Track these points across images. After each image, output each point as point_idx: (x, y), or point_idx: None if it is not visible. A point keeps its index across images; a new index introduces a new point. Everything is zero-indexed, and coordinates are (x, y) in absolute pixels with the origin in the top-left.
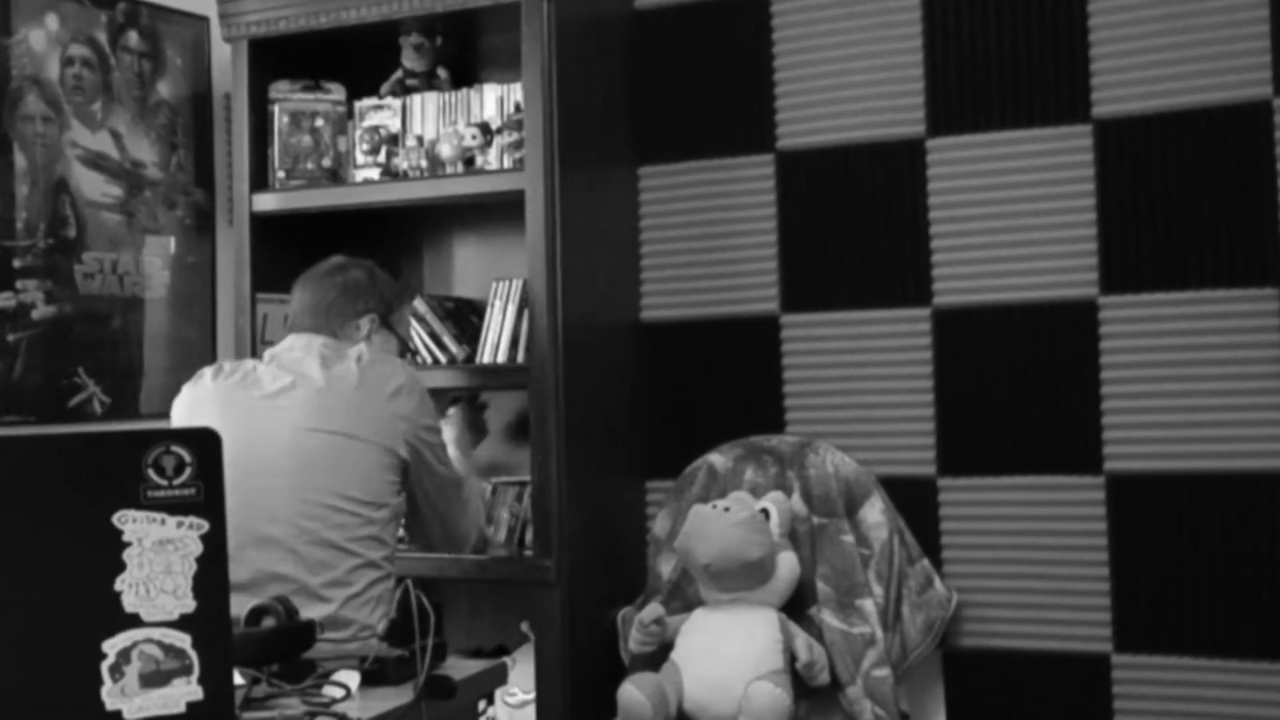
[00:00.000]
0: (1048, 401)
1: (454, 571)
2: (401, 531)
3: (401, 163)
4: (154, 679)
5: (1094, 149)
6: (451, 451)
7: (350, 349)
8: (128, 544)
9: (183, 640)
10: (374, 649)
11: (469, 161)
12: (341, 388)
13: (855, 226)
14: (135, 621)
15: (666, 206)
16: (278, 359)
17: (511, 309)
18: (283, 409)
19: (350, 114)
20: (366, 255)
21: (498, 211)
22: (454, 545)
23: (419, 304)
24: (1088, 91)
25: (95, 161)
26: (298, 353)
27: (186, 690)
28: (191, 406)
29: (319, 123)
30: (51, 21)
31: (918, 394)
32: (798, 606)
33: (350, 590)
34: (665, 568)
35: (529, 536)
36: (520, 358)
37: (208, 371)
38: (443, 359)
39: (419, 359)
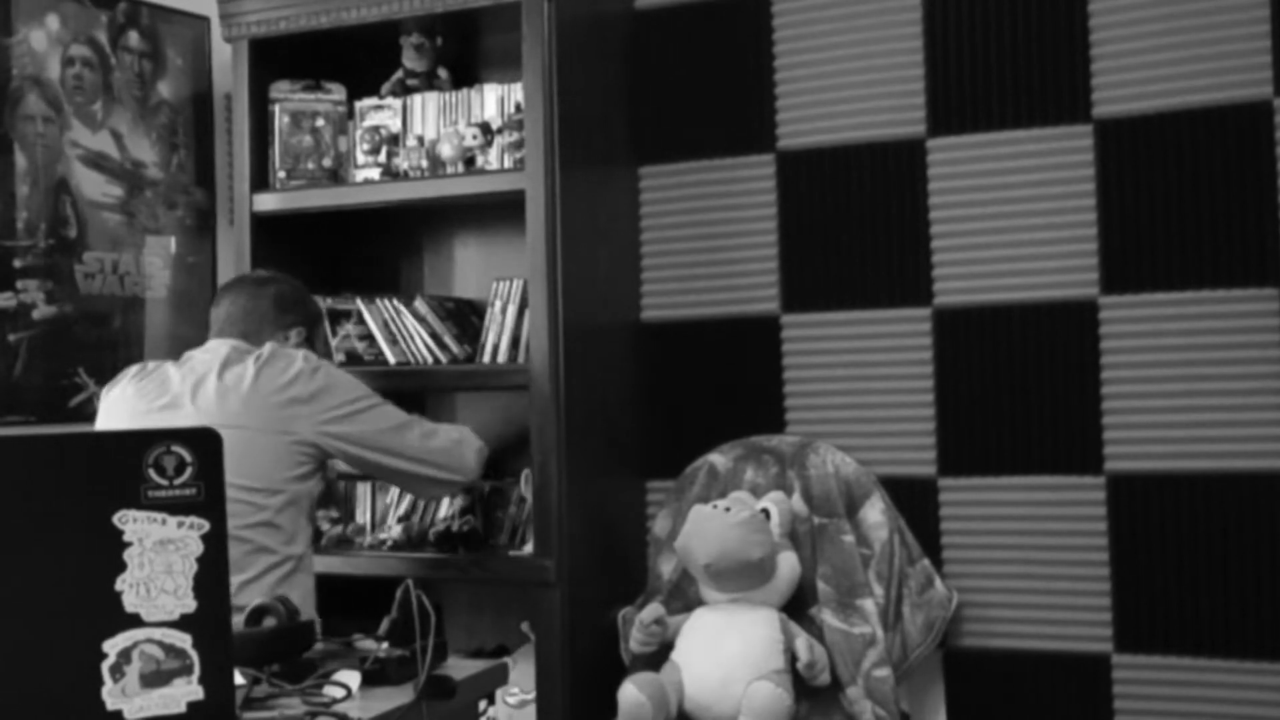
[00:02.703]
0: (1048, 401)
1: (454, 571)
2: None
3: (402, 163)
4: (154, 679)
5: (1094, 149)
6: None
7: (255, 350)
8: (128, 544)
9: (183, 640)
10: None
11: (469, 161)
12: (235, 384)
13: (855, 226)
14: (136, 621)
15: (666, 206)
16: (191, 360)
17: (512, 309)
18: (182, 411)
19: (351, 114)
20: (367, 255)
21: (498, 211)
22: (454, 473)
23: (419, 304)
24: (1088, 91)
25: (96, 161)
26: (208, 355)
27: (187, 690)
28: (108, 412)
29: (319, 123)
30: (52, 21)
31: (918, 394)
32: (798, 606)
33: (244, 575)
34: (665, 568)
35: (529, 536)
36: (521, 358)
37: (130, 371)
38: (443, 359)
39: (418, 360)
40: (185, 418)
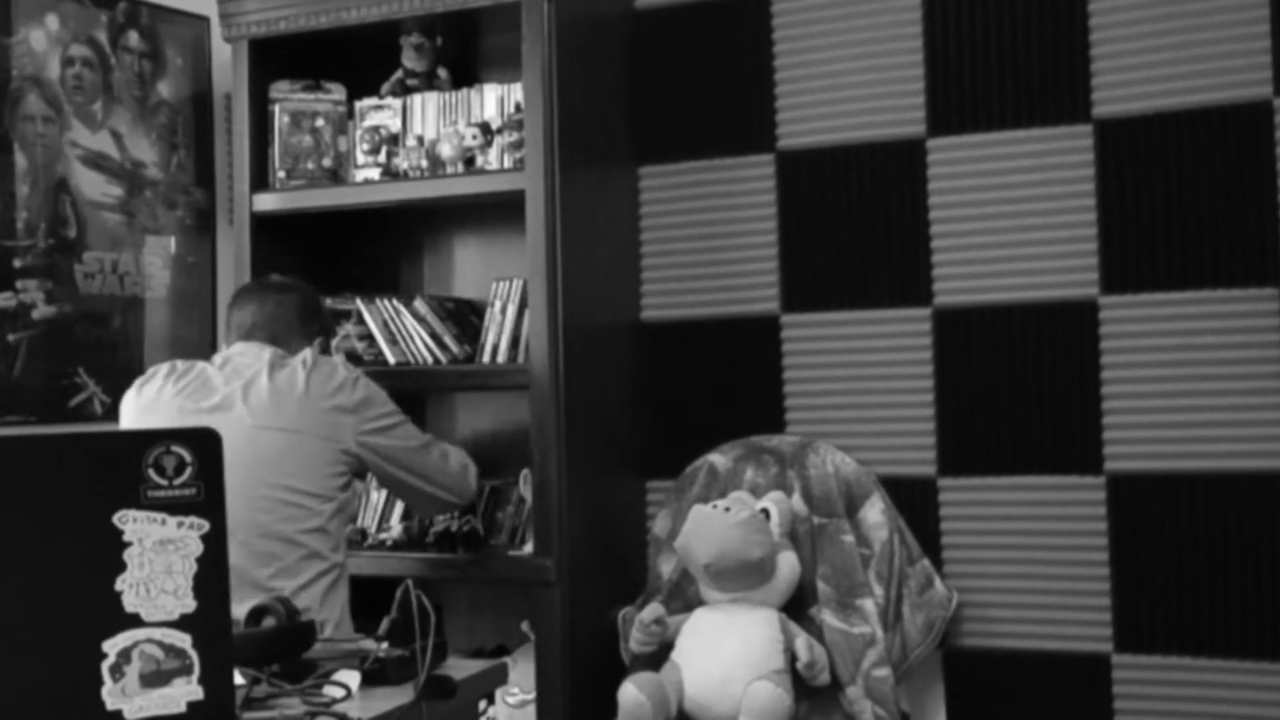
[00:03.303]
0: (1048, 401)
1: (454, 572)
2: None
3: (402, 163)
4: (154, 679)
5: (1094, 149)
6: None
7: (295, 358)
8: (128, 544)
9: (183, 640)
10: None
11: (469, 161)
12: (288, 388)
13: (855, 226)
14: (136, 621)
15: (666, 206)
16: (231, 362)
17: (511, 309)
18: (234, 413)
19: (350, 114)
20: (367, 255)
21: (498, 211)
22: (459, 497)
23: (419, 304)
24: (1088, 91)
25: (95, 161)
26: (249, 358)
27: (187, 690)
28: (145, 411)
29: (319, 123)
30: (52, 21)
31: (918, 394)
32: (798, 606)
33: (298, 581)
34: (665, 568)
35: (529, 536)
36: (520, 358)
37: (161, 370)
38: (443, 359)
39: (417, 360)
40: (238, 419)
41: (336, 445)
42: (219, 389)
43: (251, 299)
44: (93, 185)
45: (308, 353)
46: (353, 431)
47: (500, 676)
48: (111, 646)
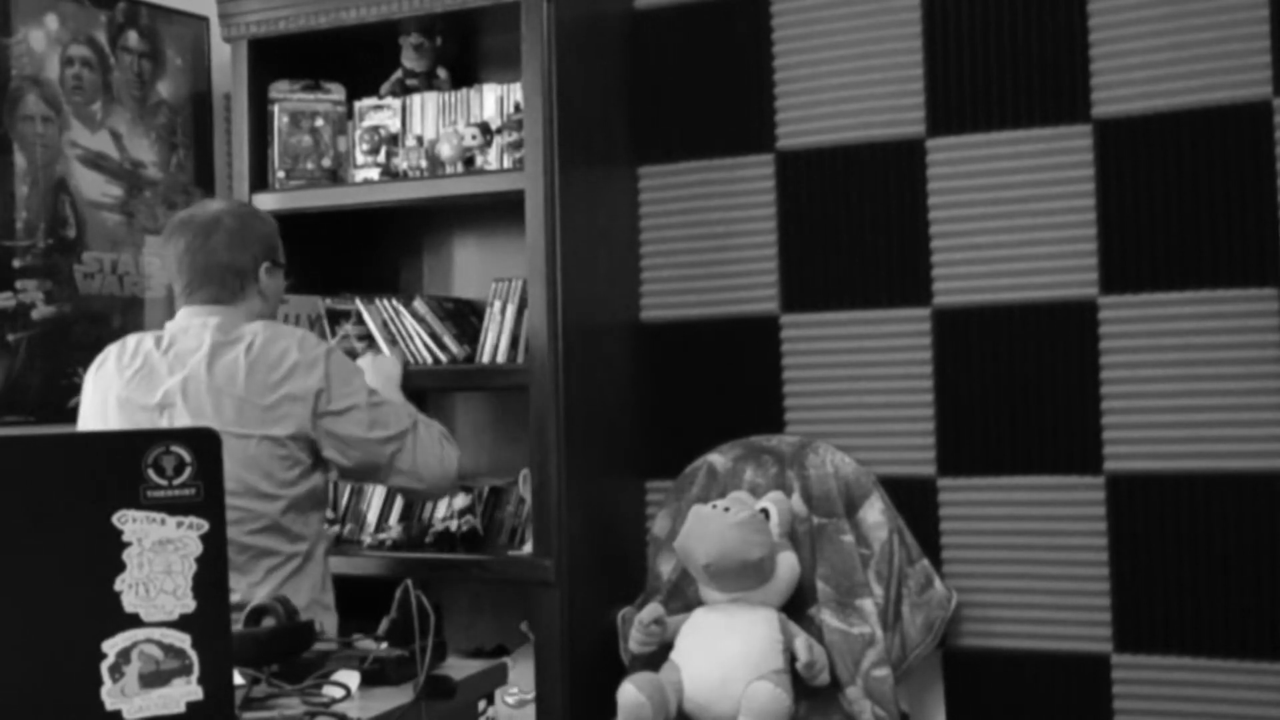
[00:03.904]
0: (1048, 401)
1: (454, 572)
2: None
3: (401, 163)
4: (154, 679)
5: (1094, 149)
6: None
7: (244, 329)
8: (127, 544)
9: (183, 640)
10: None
11: (469, 161)
12: (227, 384)
13: (855, 226)
14: (135, 621)
15: (666, 206)
16: (175, 344)
17: (511, 309)
18: (175, 412)
19: (350, 114)
20: (366, 255)
21: (498, 211)
22: (437, 492)
23: (418, 304)
24: (1088, 91)
25: (95, 161)
26: (191, 339)
27: (186, 690)
28: (95, 397)
29: (319, 123)
30: (51, 21)
31: (918, 394)
32: (798, 606)
33: (249, 579)
34: (665, 568)
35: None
36: (520, 358)
37: (112, 353)
38: (443, 359)
39: (417, 360)
40: (180, 421)
41: (288, 434)
42: (163, 380)
43: (177, 243)
44: (92, 185)
45: (256, 326)
46: (304, 419)
47: (500, 676)
48: (111, 646)
